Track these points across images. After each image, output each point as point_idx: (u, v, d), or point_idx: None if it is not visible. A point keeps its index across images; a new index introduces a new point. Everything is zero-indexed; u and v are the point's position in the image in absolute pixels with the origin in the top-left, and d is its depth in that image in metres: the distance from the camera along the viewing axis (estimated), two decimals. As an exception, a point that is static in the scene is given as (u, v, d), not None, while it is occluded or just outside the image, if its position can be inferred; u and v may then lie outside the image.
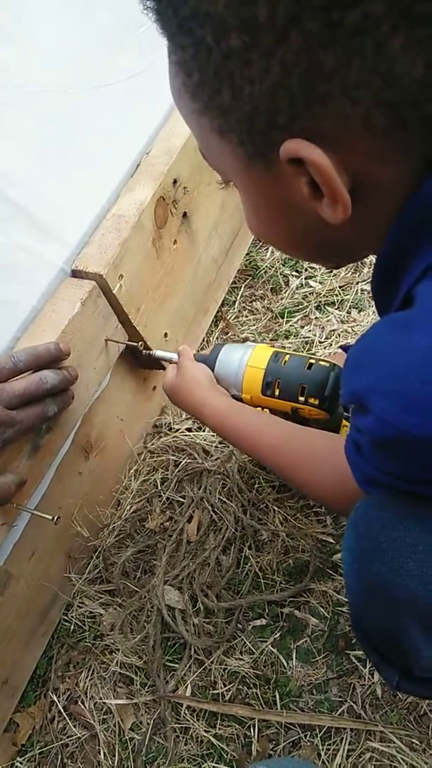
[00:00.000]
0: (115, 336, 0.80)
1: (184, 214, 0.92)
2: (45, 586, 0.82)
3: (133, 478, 0.96)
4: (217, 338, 1.12)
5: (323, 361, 0.72)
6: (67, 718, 0.79)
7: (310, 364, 0.71)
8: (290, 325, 1.09)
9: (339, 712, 0.72)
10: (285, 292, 1.14)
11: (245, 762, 0.71)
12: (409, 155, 0.35)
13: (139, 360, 0.90)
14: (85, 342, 0.74)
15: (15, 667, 0.80)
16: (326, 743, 0.70)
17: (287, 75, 0.32)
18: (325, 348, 1.04)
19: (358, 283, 1.12)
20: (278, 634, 0.78)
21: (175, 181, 0.87)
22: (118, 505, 0.95)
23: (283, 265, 1.19)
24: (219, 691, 0.76)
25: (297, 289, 1.14)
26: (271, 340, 1.08)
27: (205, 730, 0.74)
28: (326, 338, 1.06)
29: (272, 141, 0.36)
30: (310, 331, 1.08)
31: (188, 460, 0.94)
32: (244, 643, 0.78)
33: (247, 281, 1.19)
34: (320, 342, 1.05)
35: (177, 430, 1.00)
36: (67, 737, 0.78)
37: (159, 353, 0.81)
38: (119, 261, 0.76)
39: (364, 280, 1.11)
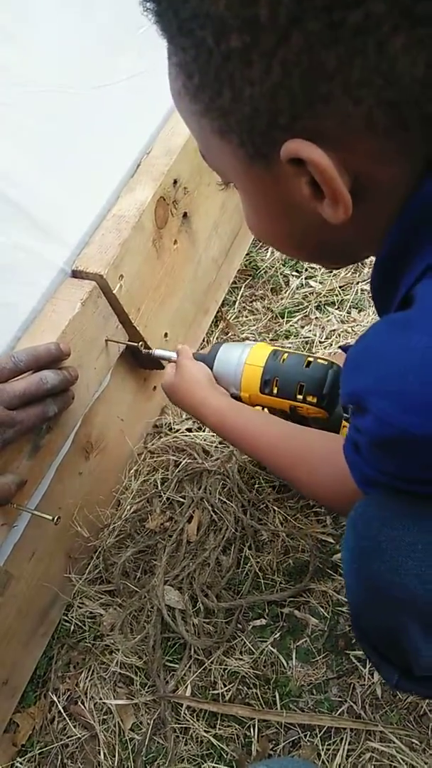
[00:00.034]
0: (115, 336, 0.80)
1: (185, 215, 0.92)
2: (45, 586, 0.82)
3: (134, 479, 0.96)
4: (217, 338, 1.12)
5: (322, 359, 0.72)
6: (67, 719, 0.79)
7: (309, 363, 0.71)
8: (290, 325, 1.09)
9: (339, 712, 0.72)
10: (285, 292, 1.14)
11: (245, 762, 0.71)
12: (410, 155, 0.35)
13: (139, 360, 0.90)
14: (85, 342, 0.74)
15: (15, 667, 0.80)
16: (326, 743, 0.70)
17: (288, 75, 0.32)
18: (325, 348, 1.04)
19: (358, 283, 1.12)
20: (278, 634, 0.78)
21: (175, 182, 0.87)
22: (119, 506, 0.95)
23: (284, 265, 1.19)
24: (219, 692, 0.76)
25: (297, 289, 1.14)
26: (271, 340, 1.08)
27: (205, 731, 0.74)
28: (326, 338, 1.06)
29: (273, 141, 0.36)
30: (310, 331, 1.08)
31: (188, 461, 0.94)
32: (244, 643, 0.78)
33: (248, 281, 1.19)
34: (320, 342, 1.05)
35: (177, 430, 1.00)
36: (67, 737, 0.78)
37: (158, 352, 0.81)
38: (119, 261, 0.76)
39: (364, 280, 1.11)
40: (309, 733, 0.71)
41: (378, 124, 0.33)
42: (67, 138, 0.74)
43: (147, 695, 0.78)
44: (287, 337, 1.08)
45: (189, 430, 1.00)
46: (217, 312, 1.14)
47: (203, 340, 1.10)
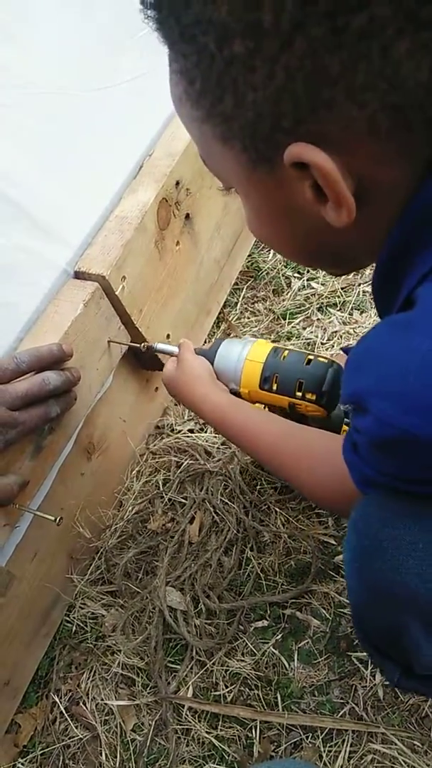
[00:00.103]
0: (117, 337, 0.80)
1: (187, 216, 0.92)
2: (47, 587, 0.82)
3: (135, 479, 0.96)
4: (219, 339, 1.12)
5: (322, 357, 0.72)
6: (68, 719, 0.79)
7: (309, 360, 0.72)
8: (292, 327, 1.09)
9: (341, 713, 0.72)
10: (287, 294, 1.14)
11: (247, 763, 0.71)
12: (411, 156, 0.36)
13: (141, 361, 0.90)
14: (87, 343, 0.74)
15: (17, 668, 0.81)
16: (328, 745, 0.70)
17: (292, 80, 0.33)
18: (326, 350, 1.04)
19: (360, 284, 1.12)
20: (280, 636, 0.78)
21: (177, 183, 0.87)
22: (120, 506, 0.95)
23: (285, 267, 1.19)
24: (220, 693, 0.76)
25: (299, 290, 1.14)
26: (273, 341, 1.08)
27: (206, 732, 0.74)
28: (328, 340, 1.06)
29: (276, 145, 0.36)
30: (312, 332, 1.08)
31: (190, 462, 0.94)
32: (246, 644, 0.78)
33: (249, 282, 1.19)
34: (322, 343, 1.05)
35: (179, 431, 1.00)
36: (69, 738, 0.78)
37: (160, 346, 0.81)
38: (122, 262, 0.76)
39: (366, 282, 1.11)
40: (311, 734, 0.71)
41: (381, 128, 0.33)
42: (68, 139, 0.74)
43: (149, 696, 0.78)
44: (289, 339, 1.08)
45: (191, 431, 1.00)
46: (219, 313, 1.14)
47: (205, 342, 1.10)
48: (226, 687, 0.76)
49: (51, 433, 0.71)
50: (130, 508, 0.93)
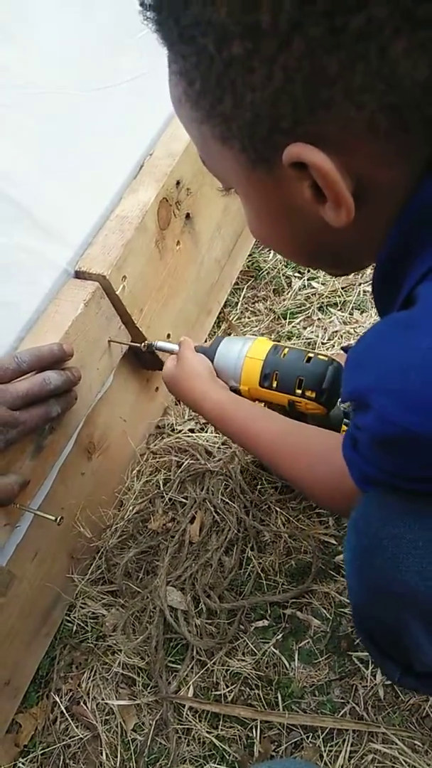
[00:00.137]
0: (118, 337, 0.80)
1: (187, 216, 0.92)
2: (47, 586, 0.82)
3: (136, 479, 0.96)
4: (219, 339, 1.12)
5: (322, 355, 0.72)
6: (69, 719, 0.79)
7: (309, 358, 0.72)
8: (293, 327, 1.09)
9: (341, 713, 0.72)
10: (287, 294, 1.14)
11: (247, 763, 0.71)
12: (410, 157, 0.36)
13: (142, 361, 0.90)
14: (88, 343, 0.74)
15: (17, 667, 0.81)
16: (328, 744, 0.70)
17: (290, 81, 0.33)
18: (327, 349, 1.04)
19: (360, 284, 1.12)
20: (280, 636, 0.78)
21: (178, 183, 0.87)
22: (121, 506, 0.95)
23: (286, 266, 1.19)
24: (221, 692, 0.76)
25: (299, 290, 1.14)
26: (273, 341, 1.08)
27: (207, 731, 0.74)
28: (329, 339, 1.06)
29: (275, 146, 0.36)
30: (312, 332, 1.08)
31: (191, 461, 0.94)
32: (247, 644, 0.78)
33: (250, 282, 1.19)
34: (323, 343, 1.05)
35: (180, 431, 1.00)
36: (70, 738, 0.78)
37: (160, 344, 0.81)
38: (122, 262, 0.76)
39: (367, 282, 1.11)
40: (311, 734, 0.71)
41: (379, 128, 0.33)
42: (68, 139, 0.74)
43: (149, 696, 0.78)
44: (289, 338, 1.08)
45: (191, 430, 1.00)
46: (220, 313, 1.14)
47: (205, 341, 1.10)
48: (227, 687, 0.76)
49: (51, 433, 0.71)
50: (131, 508, 0.93)
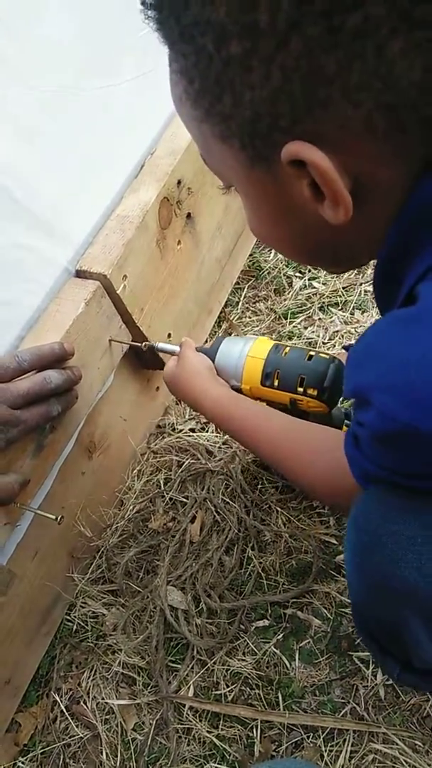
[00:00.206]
0: (118, 336, 0.80)
1: (188, 215, 0.92)
2: (48, 585, 0.82)
3: (137, 479, 0.96)
4: (220, 339, 1.12)
5: (324, 353, 0.72)
6: (69, 718, 0.79)
7: (310, 356, 0.72)
8: (293, 326, 1.09)
9: (342, 713, 0.72)
10: (288, 293, 1.14)
11: (248, 763, 0.71)
12: (407, 156, 0.36)
13: (142, 360, 0.90)
14: (89, 342, 0.74)
15: (17, 666, 0.81)
16: (329, 744, 0.70)
17: (288, 80, 0.33)
18: (328, 349, 1.04)
19: (361, 284, 1.12)
20: (281, 635, 0.78)
21: (179, 182, 0.87)
22: (121, 506, 0.95)
23: (287, 266, 1.19)
24: (222, 692, 0.76)
25: (300, 290, 1.14)
26: (274, 341, 1.08)
27: (207, 731, 0.74)
28: (329, 339, 1.06)
29: (274, 144, 0.36)
30: (313, 332, 1.08)
31: (191, 461, 0.94)
32: (247, 643, 0.78)
33: (251, 282, 1.19)
34: (323, 343, 1.05)
35: (180, 430, 1.00)
36: (70, 737, 0.78)
37: (161, 345, 0.81)
38: (123, 261, 0.76)
39: (368, 282, 1.11)
40: (312, 734, 0.71)
41: (377, 127, 0.34)
42: (70, 138, 0.74)
43: (149, 695, 0.78)
44: (290, 338, 1.08)
45: (192, 430, 1.00)
46: (221, 313, 1.14)
47: (206, 341, 1.10)
48: (227, 686, 0.76)
49: (52, 432, 0.71)
50: (131, 507, 0.93)
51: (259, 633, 0.79)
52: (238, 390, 0.76)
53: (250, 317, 1.14)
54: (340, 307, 1.10)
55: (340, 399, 0.75)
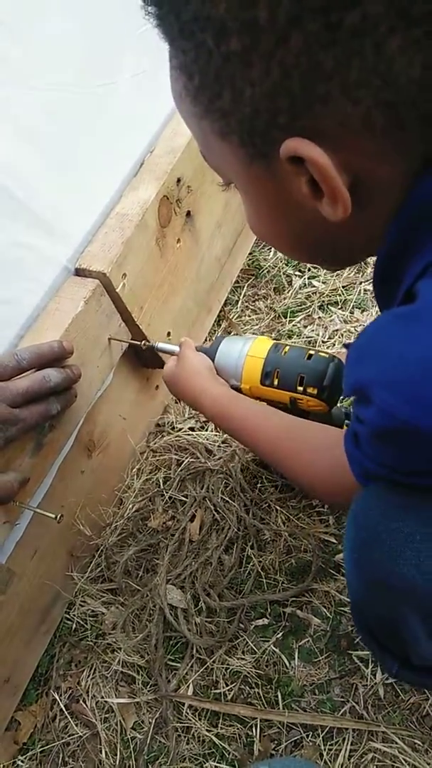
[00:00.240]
0: (118, 335, 0.80)
1: (188, 213, 0.92)
2: (47, 584, 0.82)
3: (136, 477, 0.96)
4: (220, 338, 1.12)
5: (323, 352, 0.72)
6: (68, 717, 0.79)
7: (310, 355, 0.72)
8: (293, 325, 1.09)
9: (341, 712, 0.72)
10: (288, 292, 1.14)
11: (247, 762, 0.71)
12: (407, 154, 0.36)
13: (141, 359, 0.90)
14: (88, 340, 0.74)
15: (17, 665, 0.80)
16: (328, 743, 0.70)
17: (287, 76, 0.33)
18: (328, 348, 1.04)
19: (361, 283, 1.12)
20: (280, 634, 0.78)
21: (178, 180, 0.87)
22: (121, 504, 0.95)
23: (286, 265, 1.19)
24: (221, 691, 0.76)
25: (300, 288, 1.14)
26: (274, 339, 1.08)
27: (207, 730, 0.74)
28: (329, 338, 1.06)
29: (273, 140, 0.36)
30: (313, 330, 1.08)
31: (191, 460, 0.94)
32: (246, 642, 0.78)
33: (250, 281, 1.19)
34: (323, 342, 1.05)
35: (180, 429, 1.00)
36: (69, 736, 0.78)
37: (161, 345, 0.81)
38: (123, 260, 0.76)
39: (367, 280, 1.11)
40: (311, 733, 0.71)
41: (376, 124, 0.34)
42: (69, 136, 0.74)
43: (149, 694, 0.78)
44: (290, 337, 1.08)
45: (192, 429, 1.00)
46: (220, 311, 1.14)
47: (206, 340, 1.10)
48: (227, 685, 0.76)
49: (51, 431, 0.70)
50: (131, 506, 0.93)
51: (259, 632, 0.79)
52: (238, 389, 0.76)
53: (249, 316, 1.14)
54: (339, 306, 1.10)
55: (340, 398, 0.75)
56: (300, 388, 0.71)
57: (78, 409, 0.74)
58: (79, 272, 0.76)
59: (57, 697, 0.81)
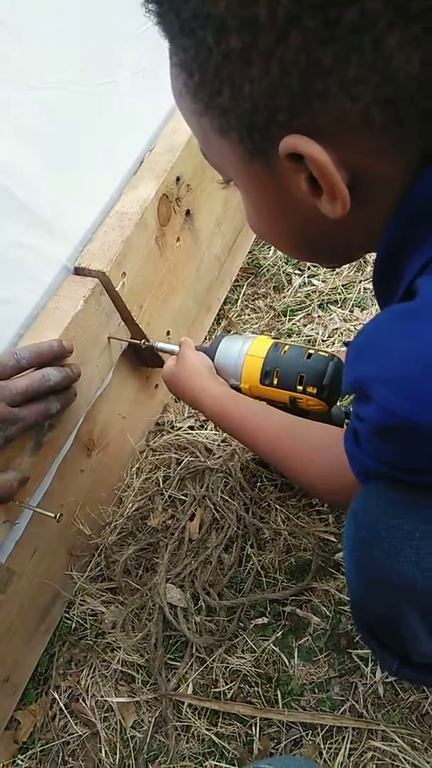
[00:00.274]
0: (117, 334, 0.80)
1: (188, 212, 0.91)
2: (47, 583, 0.82)
3: (135, 476, 0.96)
4: (219, 336, 1.12)
5: (323, 351, 0.73)
6: (68, 716, 0.79)
7: (309, 354, 0.72)
8: (293, 324, 1.09)
9: (341, 711, 0.72)
10: (287, 291, 1.14)
11: (247, 760, 0.71)
12: (406, 150, 0.36)
13: (141, 358, 0.90)
14: (87, 339, 0.74)
15: (16, 664, 0.80)
16: (328, 742, 0.70)
17: (287, 74, 0.33)
18: (327, 347, 1.04)
19: (361, 281, 1.11)
20: (280, 633, 0.78)
21: (178, 179, 0.87)
22: (120, 503, 0.95)
23: (286, 264, 1.19)
24: (220, 690, 0.76)
25: (300, 287, 1.14)
26: (273, 338, 1.08)
27: (206, 729, 0.74)
28: (329, 337, 1.06)
29: (272, 137, 0.36)
30: (312, 329, 1.07)
31: (190, 458, 0.94)
32: (246, 641, 0.78)
33: (250, 279, 1.19)
34: (323, 341, 1.05)
35: (179, 428, 1.00)
36: (69, 735, 0.78)
37: (160, 345, 0.81)
38: (122, 258, 0.76)
39: (367, 279, 1.11)
40: (311, 731, 0.71)
41: (374, 121, 0.34)
42: (69, 135, 0.74)
43: (148, 693, 0.78)
44: (290, 336, 1.08)
45: (191, 428, 1.00)
46: (220, 310, 1.14)
47: (205, 339, 1.10)
48: (226, 684, 0.76)
49: (51, 430, 0.70)
50: (130, 505, 0.93)
51: (258, 631, 0.79)
52: (238, 389, 0.76)
53: (249, 314, 1.14)
54: (339, 305, 1.10)
55: (340, 397, 0.75)
56: (300, 388, 0.71)
57: (77, 408, 0.74)
58: (79, 271, 0.76)
59: (57, 696, 0.81)
